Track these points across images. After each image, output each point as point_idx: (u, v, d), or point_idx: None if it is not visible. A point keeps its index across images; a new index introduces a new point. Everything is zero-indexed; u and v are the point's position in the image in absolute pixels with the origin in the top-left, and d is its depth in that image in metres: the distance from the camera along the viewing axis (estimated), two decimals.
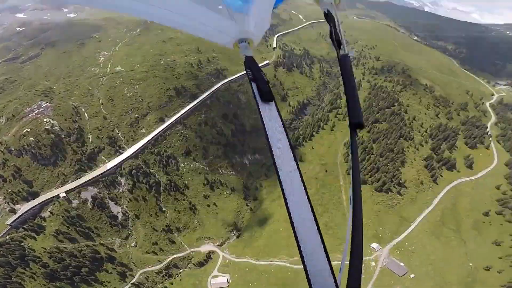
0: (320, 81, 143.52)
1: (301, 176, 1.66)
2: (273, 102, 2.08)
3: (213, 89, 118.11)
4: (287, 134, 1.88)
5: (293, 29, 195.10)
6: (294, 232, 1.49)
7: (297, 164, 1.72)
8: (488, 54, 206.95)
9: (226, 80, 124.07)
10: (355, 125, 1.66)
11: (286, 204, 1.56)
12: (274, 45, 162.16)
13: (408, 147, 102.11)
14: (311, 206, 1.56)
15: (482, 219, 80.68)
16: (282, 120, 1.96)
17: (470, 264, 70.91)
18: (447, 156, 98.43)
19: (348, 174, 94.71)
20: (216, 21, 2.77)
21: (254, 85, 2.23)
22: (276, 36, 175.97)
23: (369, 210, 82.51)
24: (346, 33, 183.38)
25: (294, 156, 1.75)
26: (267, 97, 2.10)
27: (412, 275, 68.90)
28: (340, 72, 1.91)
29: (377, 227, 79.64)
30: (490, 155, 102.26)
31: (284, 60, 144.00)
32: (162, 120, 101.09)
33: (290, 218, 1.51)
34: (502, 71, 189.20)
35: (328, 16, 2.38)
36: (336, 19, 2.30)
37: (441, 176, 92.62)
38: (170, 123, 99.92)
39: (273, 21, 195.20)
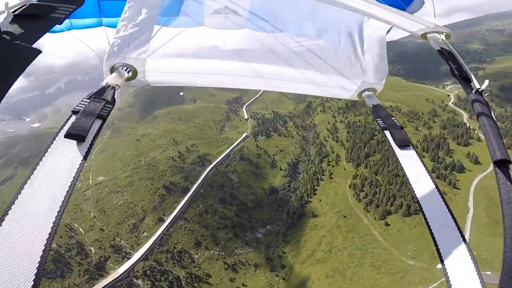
0: (299, 136, 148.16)
1: (455, 221, 1.55)
2: (411, 147, 2.02)
3: (202, 177, 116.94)
4: (432, 178, 1.82)
5: (256, 96, 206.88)
6: None
7: (448, 208, 1.62)
8: (419, 63, 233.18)
9: (212, 165, 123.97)
10: (500, 162, 1.48)
11: (441, 258, 1.42)
12: (246, 116, 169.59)
13: None
14: (461, 234, 1.46)
15: None
16: (424, 164, 1.90)
17: None
18: (450, 161, 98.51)
19: (368, 211, 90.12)
20: (337, 79, 2.94)
21: (387, 133, 2.15)
22: (244, 107, 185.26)
23: (411, 236, 77.46)
24: None
25: (444, 201, 1.67)
26: (403, 143, 2.02)
27: None
28: (473, 110, 1.79)
29: (429, 248, 71.82)
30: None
31: (260, 127, 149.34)
32: (161, 220, 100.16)
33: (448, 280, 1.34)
34: (440, 74, 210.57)
35: (443, 53, 2.22)
36: (455, 53, 2.16)
37: (458, 180, 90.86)
38: (170, 221, 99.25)
39: (235, 94, 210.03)
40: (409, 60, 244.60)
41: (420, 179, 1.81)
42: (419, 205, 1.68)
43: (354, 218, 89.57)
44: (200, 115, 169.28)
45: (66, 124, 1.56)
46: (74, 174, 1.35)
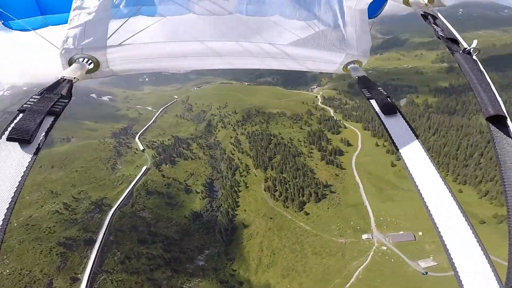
0: (207, 156, 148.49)
1: (446, 185, 1.48)
2: (398, 114, 1.95)
3: (105, 225, 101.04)
4: (421, 143, 1.78)
5: (150, 123, 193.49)
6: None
7: (438, 173, 1.56)
8: (290, 73, 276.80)
9: (113, 209, 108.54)
10: (493, 118, 1.42)
11: (432, 219, 1.35)
12: (141, 147, 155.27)
13: (305, 160, 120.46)
14: (462, 212, 1.33)
15: (402, 169, 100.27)
16: (413, 130, 1.83)
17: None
18: (331, 148, 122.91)
19: (287, 207, 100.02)
20: (321, 53, 2.95)
21: (373, 102, 2.11)
22: (137, 137, 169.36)
23: (328, 218, 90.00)
24: (197, 104, 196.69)
25: (433, 165, 1.60)
26: (390, 111, 1.97)
27: (420, 233, 74.59)
28: (460, 69, 1.80)
29: (348, 224, 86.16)
30: (352, 130, 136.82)
31: (161, 156, 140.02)
32: (76, 279, 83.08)
33: (441, 237, 1.27)
34: (307, 79, 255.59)
35: (426, 17, 2.29)
36: (439, 16, 2.24)
37: (342, 162, 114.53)
38: (88, 277, 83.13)
39: (122, 124, 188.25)
40: (282, 71, 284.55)
41: (408, 145, 1.74)
42: (408, 170, 1.62)
43: (279, 217, 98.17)
44: (81, 156, 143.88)
45: (11, 125, 1.42)
46: (20, 179, 1.27)
